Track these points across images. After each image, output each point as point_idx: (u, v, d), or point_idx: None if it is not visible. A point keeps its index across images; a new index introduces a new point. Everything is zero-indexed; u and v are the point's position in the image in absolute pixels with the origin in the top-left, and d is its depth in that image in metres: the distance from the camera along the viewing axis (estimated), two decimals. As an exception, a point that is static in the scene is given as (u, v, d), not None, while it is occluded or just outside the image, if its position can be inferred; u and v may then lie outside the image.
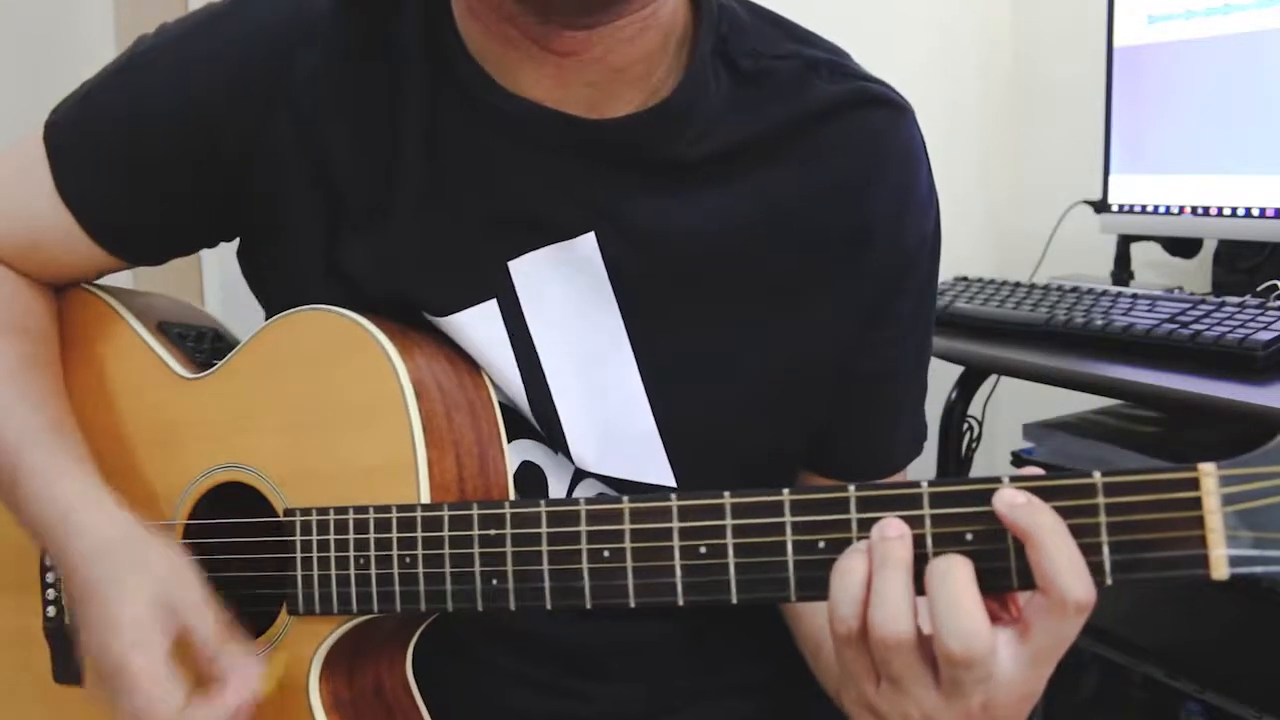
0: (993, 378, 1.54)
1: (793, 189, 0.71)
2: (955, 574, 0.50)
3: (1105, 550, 0.49)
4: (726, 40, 0.71)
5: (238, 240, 0.79)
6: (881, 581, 0.51)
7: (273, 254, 0.74)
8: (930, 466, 1.50)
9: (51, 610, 0.77)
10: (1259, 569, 0.47)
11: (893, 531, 0.52)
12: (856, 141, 0.72)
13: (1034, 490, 0.50)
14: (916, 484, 0.52)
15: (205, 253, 1.30)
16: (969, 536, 0.51)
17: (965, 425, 1.50)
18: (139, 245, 0.77)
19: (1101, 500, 0.49)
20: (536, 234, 0.70)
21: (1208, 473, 0.48)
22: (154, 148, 0.72)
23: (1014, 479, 0.51)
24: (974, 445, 1.54)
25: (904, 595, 0.51)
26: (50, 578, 0.77)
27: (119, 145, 0.73)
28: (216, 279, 1.33)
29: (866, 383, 0.76)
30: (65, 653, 0.76)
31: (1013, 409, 1.61)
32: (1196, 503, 0.48)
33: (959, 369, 1.44)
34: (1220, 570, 0.47)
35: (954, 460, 1.50)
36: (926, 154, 0.75)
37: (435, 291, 0.71)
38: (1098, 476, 0.49)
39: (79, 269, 0.78)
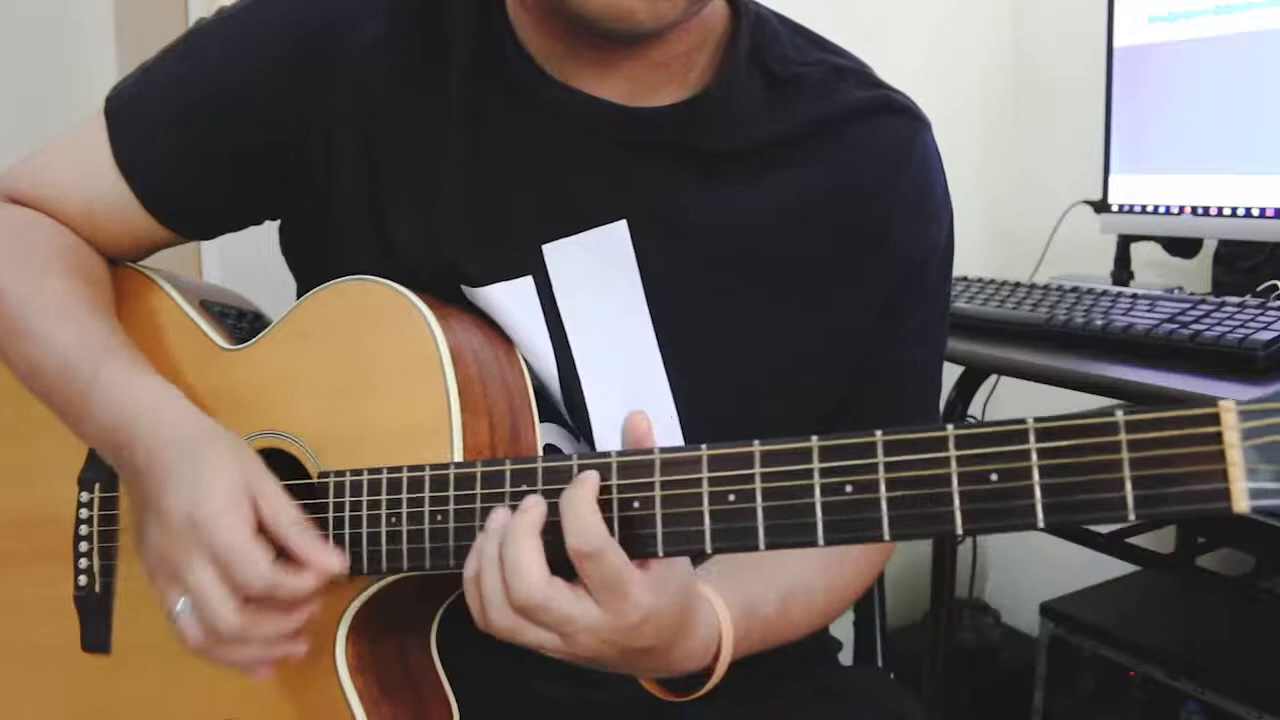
0: (993, 378, 1.54)
1: (816, 188, 0.74)
2: (581, 486, 0.57)
3: (1128, 486, 0.50)
4: (761, 46, 0.74)
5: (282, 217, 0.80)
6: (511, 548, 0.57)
7: (320, 226, 0.76)
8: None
9: (83, 579, 0.78)
10: (1278, 501, 0.48)
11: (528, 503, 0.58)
12: (878, 145, 0.75)
13: (1058, 430, 0.51)
14: (943, 428, 0.53)
15: (205, 248, 1.31)
16: (994, 476, 0.52)
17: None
18: (190, 217, 0.79)
19: (1124, 437, 0.50)
20: (572, 219, 0.73)
21: (1228, 409, 0.48)
22: (210, 120, 0.74)
23: (1038, 419, 0.52)
24: (974, 445, 1.54)
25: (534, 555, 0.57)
26: (84, 547, 0.78)
27: (176, 117, 0.75)
28: (216, 275, 1.33)
29: (875, 380, 0.78)
30: (93, 622, 0.78)
31: (1013, 409, 1.61)
32: (1217, 438, 0.48)
33: (959, 369, 1.44)
34: (1241, 503, 0.48)
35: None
36: (942, 165, 0.79)
37: (473, 263, 0.72)
38: (1119, 415, 0.50)
39: (133, 240, 0.80)
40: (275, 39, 0.73)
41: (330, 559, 0.63)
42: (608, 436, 0.73)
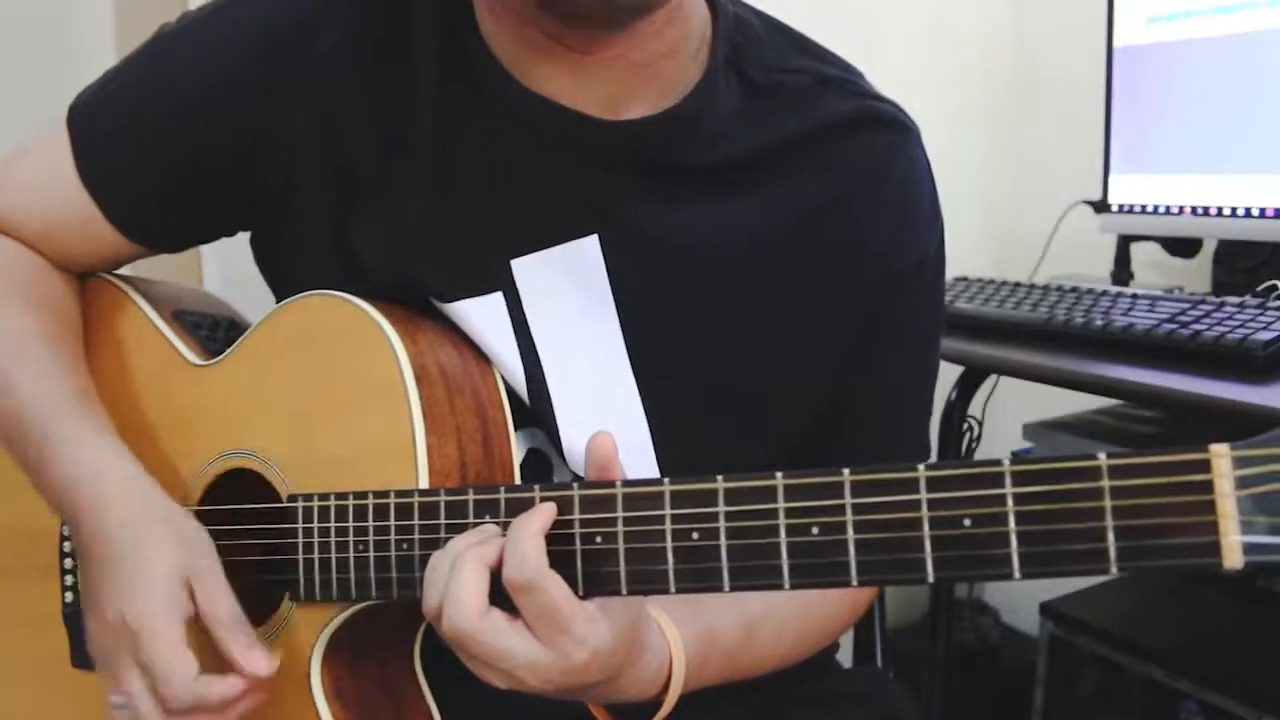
0: (993, 378, 1.54)
1: (796, 203, 0.71)
2: (530, 517, 0.56)
3: (1110, 536, 0.47)
4: (740, 50, 0.72)
5: (250, 229, 0.79)
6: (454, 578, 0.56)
7: (284, 237, 0.75)
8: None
9: (70, 596, 0.78)
10: (1275, 558, 0.44)
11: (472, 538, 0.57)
12: (860, 160, 0.72)
13: (1037, 473, 0.48)
14: (913, 468, 0.51)
15: (205, 249, 1.30)
16: (967, 521, 0.49)
17: (965, 425, 1.51)
18: (156, 230, 0.78)
19: (1106, 484, 0.47)
20: (541, 233, 0.71)
21: (1220, 454, 0.45)
22: (173, 129, 0.73)
23: (1015, 461, 0.49)
24: (974, 445, 1.54)
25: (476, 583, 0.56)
26: (69, 564, 0.78)
27: (139, 127, 0.74)
28: (216, 278, 1.32)
29: (858, 399, 0.76)
30: (83, 638, 0.76)
31: (1013, 409, 1.61)
32: (1208, 486, 0.45)
33: (959, 369, 1.44)
34: (1233, 558, 0.44)
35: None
36: (931, 176, 0.76)
37: (442, 279, 0.71)
38: (1103, 459, 0.47)
39: (99, 254, 0.79)
40: (237, 47, 0.72)
41: (257, 663, 0.63)
42: (579, 455, 0.71)
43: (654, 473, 0.72)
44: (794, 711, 0.81)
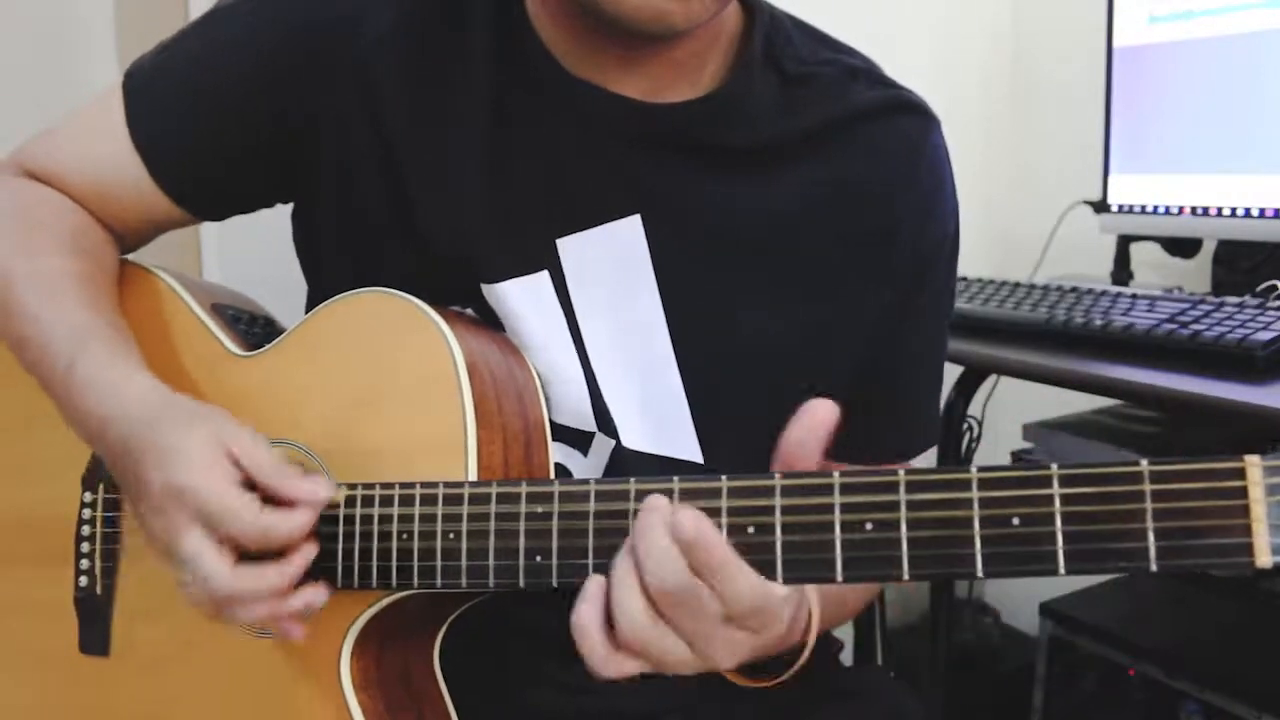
0: (993, 378, 1.54)
1: (830, 184, 0.75)
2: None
3: (1150, 537, 0.50)
4: (774, 44, 0.75)
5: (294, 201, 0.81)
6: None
7: (336, 216, 0.76)
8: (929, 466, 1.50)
9: (84, 580, 0.78)
10: None
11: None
12: (890, 144, 0.76)
13: (1083, 477, 0.51)
14: (967, 469, 0.53)
15: (205, 247, 1.31)
16: (1015, 520, 0.52)
17: (965, 425, 1.51)
18: (203, 196, 0.80)
19: (1148, 487, 0.50)
20: (586, 213, 0.73)
21: (1253, 464, 0.49)
22: (224, 100, 0.75)
23: (1063, 465, 0.52)
24: (974, 445, 1.54)
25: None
26: (85, 548, 0.78)
27: (191, 95, 0.76)
28: (216, 277, 1.32)
29: (889, 371, 0.79)
30: (92, 624, 0.78)
31: (1013, 409, 1.61)
32: (1242, 492, 0.49)
33: (959, 369, 1.44)
34: (1264, 558, 0.48)
35: (953, 460, 1.50)
36: (950, 162, 0.79)
37: (491, 256, 0.73)
38: (1144, 465, 0.50)
39: (145, 217, 0.80)
40: (281, 32, 0.74)
41: (317, 489, 0.63)
42: (630, 432, 0.73)
43: (691, 440, 0.74)
44: (796, 709, 0.81)
